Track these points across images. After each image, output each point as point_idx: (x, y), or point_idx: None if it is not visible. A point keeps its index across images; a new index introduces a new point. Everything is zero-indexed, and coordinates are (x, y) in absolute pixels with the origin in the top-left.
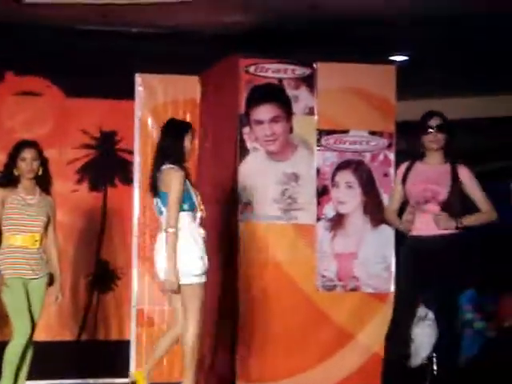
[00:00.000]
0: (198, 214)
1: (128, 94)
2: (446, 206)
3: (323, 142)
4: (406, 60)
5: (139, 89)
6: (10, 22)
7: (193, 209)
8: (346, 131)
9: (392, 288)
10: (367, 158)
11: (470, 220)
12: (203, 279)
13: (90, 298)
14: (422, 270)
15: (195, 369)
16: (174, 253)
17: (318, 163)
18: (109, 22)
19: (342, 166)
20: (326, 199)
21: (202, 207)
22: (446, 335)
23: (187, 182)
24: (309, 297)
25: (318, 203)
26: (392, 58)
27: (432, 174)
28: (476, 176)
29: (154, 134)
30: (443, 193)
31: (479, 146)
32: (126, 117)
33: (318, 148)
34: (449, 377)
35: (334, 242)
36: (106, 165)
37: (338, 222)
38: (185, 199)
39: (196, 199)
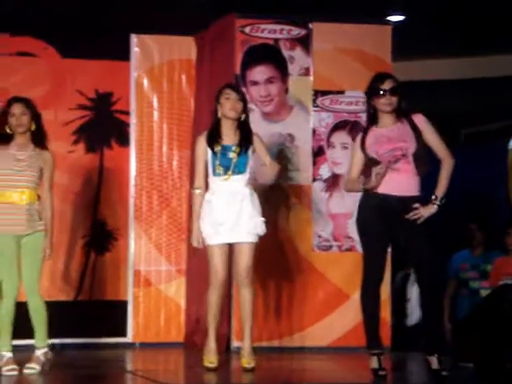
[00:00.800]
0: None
1: (124, 54)
2: (416, 159)
3: (319, 102)
4: (401, 20)
5: (135, 49)
6: None
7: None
8: (341, 92)
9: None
10: (363, 118)
11: (442, 188)
12: (211, 241)
13: (87, 258)
14: (392, 228)
15: (210, 325)
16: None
17: (314, 124)
18: None
19: (337, 127)
20: (321, 160)
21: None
22: (427, 294)
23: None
24: (305, 257)
25: (314, 164)
26: (388, 18)
27: (393, 133)
28: (473, 135)
29: (150, 95)
30: (412, 147)
31: (474, 106)
32: (121, 78)
33: (314, 109)
34: (435, 329)
35: (329, 203)
36: (102, 126)
37: (333, 182)
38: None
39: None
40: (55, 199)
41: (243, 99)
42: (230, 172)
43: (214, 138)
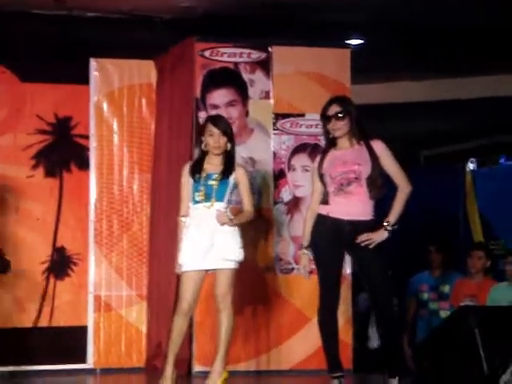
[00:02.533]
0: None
1: (83, 78)
2: (369, 183)
3: (279, 125)
4: (360, 43)
5: (94, 73)
6: None
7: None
8: (301, 115)
9: (348, 270)
10: (323, 141)
11: (394, 214)
12: (184, 268)
13: (47, 284)
14: (345, 251)
15: (169, 351)
16: None
17: (274, 147)
18: (64, 7)
19: (298, 150)
20: (282, 183)
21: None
22: (382, 319)
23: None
24: (266, 280)
25: (275, 187)
26: (347, 41)
27: (349, 156)
28: (433, 157)
29: (110, 119)
30: (365, 171)
31: (433, 129)
32: (81, 102)
33: (274, 132)
34: (394, 353)
35: (290, 225)
36: (62, 150)
37: (294, 205)
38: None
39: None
40: (14, 224)
41: (226, 132)
42: (213, 199)
43: (196, 168)
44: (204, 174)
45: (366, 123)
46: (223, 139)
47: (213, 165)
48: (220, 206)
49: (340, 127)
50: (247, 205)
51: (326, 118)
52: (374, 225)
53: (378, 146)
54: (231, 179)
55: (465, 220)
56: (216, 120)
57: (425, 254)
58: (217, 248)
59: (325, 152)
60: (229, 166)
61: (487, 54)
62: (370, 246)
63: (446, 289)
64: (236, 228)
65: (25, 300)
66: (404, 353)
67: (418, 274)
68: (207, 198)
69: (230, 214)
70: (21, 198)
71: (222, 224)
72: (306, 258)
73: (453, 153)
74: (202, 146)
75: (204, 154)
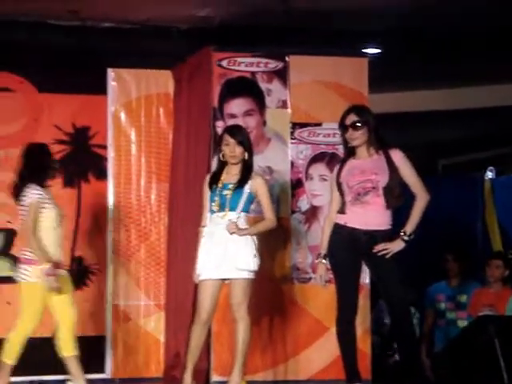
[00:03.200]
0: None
1: (101, 88)
2: (386, 193)
3: (296, 134)
4: (378, 52)
5: (112, 83)
6: None
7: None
8: (319, 124)
9: (367, 280)
10: (340, 150)
11: (411, 224)
12: (201, 277)
13: None
14: (361, 261)
15: (188, 360)
16: None
17: (292, 156)
18: (81, 17)
19: (315, 159)
20: (300, 192)
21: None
22: (399, 330)
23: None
24: (284, 289)
25: (293, 196)
26: (364, 50)
27: (367, 165)
28: (451, 166)
29: (128, 128)
30: (383, 181)
31: (451, 137)
32: (99, 112)
33: (292, 141)
34: (413, 364)
35: (308, 235)
36: (80, 160)
37: (312, 214)
38: None
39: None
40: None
41: (242, 142)
42: (226, 209)
43: (213, 179)
44: (220, 184)
45: (384, 132)
46: (239, 149)
47: (231, 174)
48: (233, 215)
49: (357, 137)
50: (269, 213)
51: (343, 127)
52: (391, 234)
53: (397, 156)
54: (246, 188)
55: (483, 229)
56: (232, 130)
57: (442, 263)
58: (229, 257)
59: (343, 161)
60: (245, 175)
61: (505, 62)
62: (387, 256)
63: (464, 298)
64: (249, 237)
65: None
66: (422, 363)
67: (434, 284)
68: (221, 207)
69: (241, 223)
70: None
71: (231, 233)
72: (323, 267)
73: (471, 162)
74: (220, 156)
75: (223, 164)
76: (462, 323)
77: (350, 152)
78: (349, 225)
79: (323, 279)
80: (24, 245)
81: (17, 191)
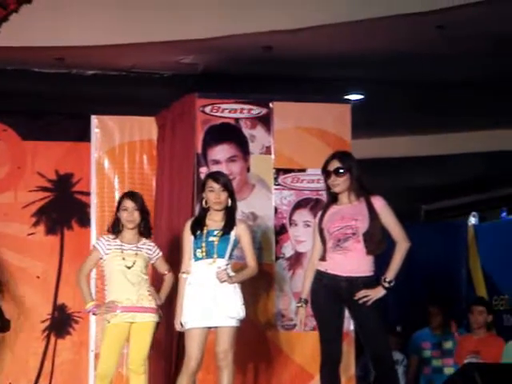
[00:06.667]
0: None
1: (85, 135)
2: (367, 239)
3: (280, 180)
4: (360, 99)
5: (95, 130)
6: None
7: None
8: (302, 170)
9: (351, 327)
10: (324, 196)
11: (392, 271)
12: (188, 325)
13: (47, 342)
14: (344, 307)
15: None
16: None
17: (276, 202)
18: (65, 64)
19: (299, 205)
20: (284, 238)
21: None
22: (381, 376)
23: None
24: (268, 336)
25: (276, 242)
26: (346, 97)
27: (347, 211)
28: (434, 213)
29: (111, 175)
30: (363, 227)
31: (434, 183)
32: (82, 159)
33: (276, 187)
34: None
35: (292, 281)
36: (63, 207)
37: (296, 260)
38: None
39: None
40: (15, 282)
41: (226, 187)
42: (214, 255)
43: (197, 225)
44: (205, 231)
45: (367, 178)
46: (224, 194)
47: (214, 221)
48: (222, 262)
49: (339, 183)
50: (251, 260)
51: (326, 173)
52: (372, 281)
53: (378, 203)
54: (232, 235)
55: (467, 276)
56: (216, 176)
57: (426, 314)
58: (219, 305)
59: (326, 207)
60: (230, 221)
61: (486, 109)
62: (368, 304)
63: (449, 345)
64: (236, 285)
65: (25, 359)
66: None
67: (418, 331)
68: (208, 254)
69: (230, 271)
70: (22, 255)
71: (222, 282)
72: (303, 311)
73: (453, 207)
74: (203, 203)
75: (205, 211)
76: (449, 370)
77: (333, 198)
78: (330, 271)
79: (303, 324)
80: None
81: None
